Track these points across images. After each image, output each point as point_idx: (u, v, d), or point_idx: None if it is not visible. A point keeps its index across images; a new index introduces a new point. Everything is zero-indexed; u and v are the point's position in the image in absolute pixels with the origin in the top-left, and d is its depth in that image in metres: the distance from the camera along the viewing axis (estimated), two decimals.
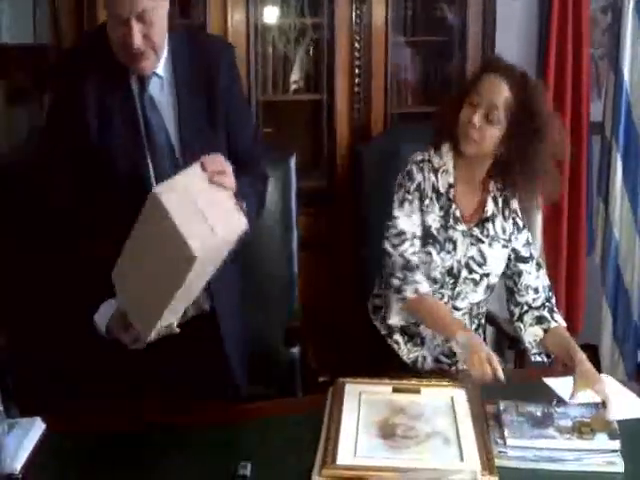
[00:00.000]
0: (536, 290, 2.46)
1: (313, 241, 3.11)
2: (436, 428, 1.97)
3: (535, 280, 2.47)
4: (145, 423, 2.00)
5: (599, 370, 2.26)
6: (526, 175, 2.37)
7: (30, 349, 2.54)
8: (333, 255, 2.82)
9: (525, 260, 2.48)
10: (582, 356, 2.23)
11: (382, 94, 3.52)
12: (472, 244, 2.45)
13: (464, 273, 2.46)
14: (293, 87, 3.66)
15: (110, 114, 2.09)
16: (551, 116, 2.39)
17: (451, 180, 2.44)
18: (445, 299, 2.47)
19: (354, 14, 3.42)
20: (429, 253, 2.43)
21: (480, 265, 2.46)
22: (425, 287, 2.38)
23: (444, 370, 2.52)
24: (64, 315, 2.29)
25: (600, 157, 3.71)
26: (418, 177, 2.43)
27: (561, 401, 2.11)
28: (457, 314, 2.48)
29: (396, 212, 2.44)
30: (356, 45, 3.46)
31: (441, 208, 2.43)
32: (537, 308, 2.44)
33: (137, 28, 1.96)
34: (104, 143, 2.09)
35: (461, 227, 2.44)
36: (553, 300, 2.48)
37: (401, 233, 2.42)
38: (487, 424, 1.99)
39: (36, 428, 1.95)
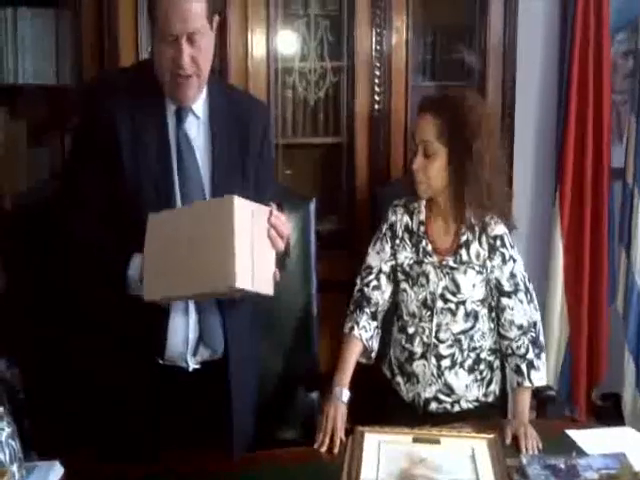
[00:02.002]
0: (520, 327, 2.53)
1: (332, 284, 3.08)
2: None
3: (520, 316, 2.54)
4: (164, 469, 1.99)
5: (622, 421, 2.24)
6: (472, 187, 2.46)
7: (46, 392, 2.53)
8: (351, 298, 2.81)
9: (508, 295, 2.54)
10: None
11: (402, 137, 3.51)
12: (446, 274, 2.52)
13: (439, 304, 2.53)
14: (313, 130, 3.66)
15: (143, 144, 2.15)
16: (482, 122, 2.47)
17: (422, 218, 2.59)
18: (426, 332, 2.55)
19: (374, 58, 3.43)
20: (404, 290, 2.58)
21: (454, 294, 2.53)
22: (360, 331, 2.54)
23: (447, 410, 2.57)
24: (82, 355, 2.29)
25: (622, 203, 3.67)
26: (392, 218, 2.64)
27: (581, 452, 2.08)
28: (442, 347, 2.55)
29: (369, 249, 2.66)
30: (376, 88, 3.45)
31: (413, 245, 2.57)
32: (520, 357, 2.51)
33: (187, 50, 2.06)
34: (135, 172, 2.13)
35: (432, 260, 2.54)
36: (539, 340, 2.53)
37: (368, 267, 2.64)
38: (510, 477, 1.95)
39: (55, 472, 1.94)
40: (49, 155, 3.38)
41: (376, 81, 3.45)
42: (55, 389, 2.56)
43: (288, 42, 3.54)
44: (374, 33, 3.41)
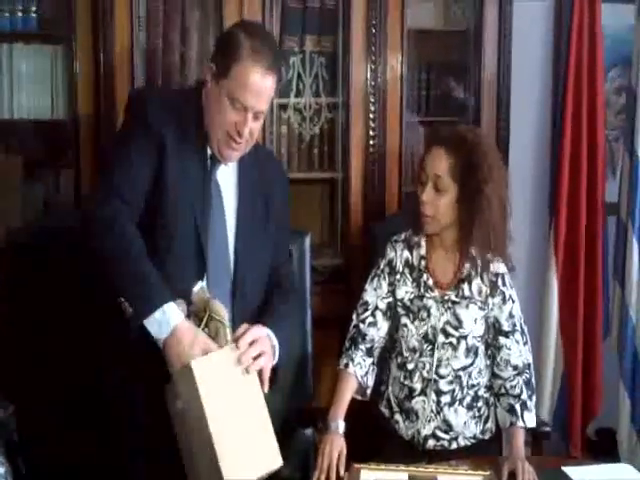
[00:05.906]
0: (515, 367, 2.54)
1: (327, 320, 3.08)
2: None
3: (516, 357, 2.54)
4: None
5: (617, 456, 2.24)
6: (479, 229, 2.46)
7: (41, 434, 2.52)
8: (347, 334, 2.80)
9: (506, 334, 2.55)
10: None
11: (396, 173, 3.52)
12: (447, 309, 2.52)
13: (441, 338, 2.53)
14: (308, 165, 3.66)
15: (187, 169, 2.20)
16: (493, 168, 2.48)
17: (423, 252, 2.59)
18: (427, 367, 2.54)
19: (369, 94, 3.44)
20: (404, 325, 2.56)
21: (456, 328, 2.53)
22: (355, 368, 2.53)
23: (445, 448, 2.55)
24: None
25: (616, 238, 3.67)
26: (390, 254, 2.63)
27: None
28: (442, 382, 2.54)
29: (366, 285, 2.65)
30: (371, 124, 3.47)
31: (414, 280, 2.56)
32: (514, 397, 2.51)
33: (250, 123, 2.17)
34: (176, 198, 2.18)
35: (433, 294, 2.54)
36: (531, 382, 2.54)
37: (365, 303, 2.62)
38: None
39: None
40: (44, 190, 3.39)
41: (371, 116, 3.46)
42: (50, 427, 2.54)
43: (283, 78, 3.55)
44: (369, 69, 3.43)
